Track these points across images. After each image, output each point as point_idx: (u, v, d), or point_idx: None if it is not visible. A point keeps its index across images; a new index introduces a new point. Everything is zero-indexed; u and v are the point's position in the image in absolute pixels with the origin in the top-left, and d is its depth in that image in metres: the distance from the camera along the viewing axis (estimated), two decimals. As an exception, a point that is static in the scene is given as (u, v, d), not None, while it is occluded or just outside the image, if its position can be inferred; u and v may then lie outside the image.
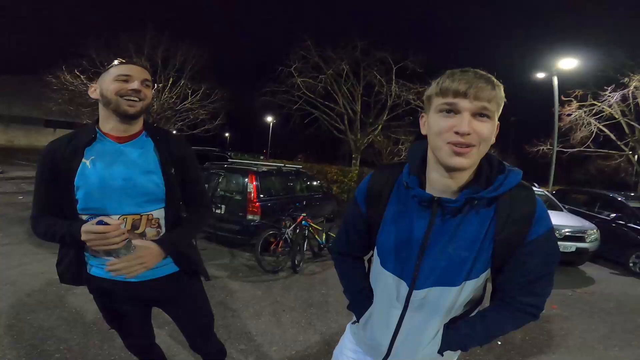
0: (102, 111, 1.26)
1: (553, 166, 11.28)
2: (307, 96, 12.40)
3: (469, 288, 0.90)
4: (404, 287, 0.93)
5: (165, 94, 15.78)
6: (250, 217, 4.89)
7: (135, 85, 1.20)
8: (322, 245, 5.14)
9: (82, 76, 14.39)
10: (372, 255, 1.06)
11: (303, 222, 4.76)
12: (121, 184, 1.21)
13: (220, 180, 5.28)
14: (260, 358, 2.48)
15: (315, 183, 7.35)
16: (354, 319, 1.12)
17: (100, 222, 1.10)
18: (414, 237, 0.91)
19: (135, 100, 1.20)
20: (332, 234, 5.29)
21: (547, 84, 11.73)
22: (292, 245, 4.57)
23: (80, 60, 14.30)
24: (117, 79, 1.20)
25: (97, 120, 1.28)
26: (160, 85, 15.75)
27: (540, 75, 11.68)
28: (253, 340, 2.70)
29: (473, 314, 0.98)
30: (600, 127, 12.52)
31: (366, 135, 12.69)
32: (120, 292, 1.32)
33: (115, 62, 1.24)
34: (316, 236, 5.07)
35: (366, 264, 1.17)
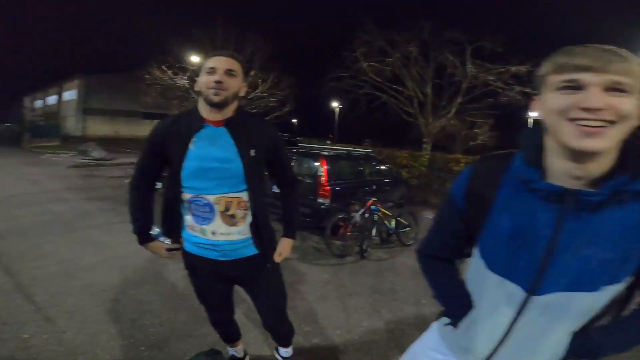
0: (200, 100, 1.39)
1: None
2: (374, 80, 12.08)
3: (608, 294, 0.78)
4: (519, 292, 0.84)
5: (238, 84, 16.72)
6: (320, 200, 4.99)
7: (216, 77, 1.30)
8: (390, 232, 5.03)
9: (168, 71, 16.00)
10: (470, 258, 0.97)
11: (372, 207, 4.71)
12: (217, 166, 1.34)
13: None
14: (323, 341, 2.52)
15: (384, 167, 7.20)
16: (446, 321, 1.03)
17: (157, 235, 1.49)
18: (538, 237, 0.79)
19: (219, 90, 1.30)
20: (402, 220, 5.13)
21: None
22: (360, 230, 4.55)
23: (165, 56, 15.88)
24: (206, 72, 1.33)
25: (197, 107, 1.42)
26: (234, 76, 16.73)
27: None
28: (318, 322, 2.75)
29: (609, 321, 0.85)
30: None
31: (438, 118, 11.95)
32: (209, 269, 1.50)
33: (210, 55, 1.38)
34: (385, 222, 4.97)
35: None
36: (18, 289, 2.88)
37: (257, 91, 16.98)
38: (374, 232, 4.75)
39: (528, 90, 10.73)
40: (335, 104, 32.27)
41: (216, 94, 1.30)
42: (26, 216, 5.14)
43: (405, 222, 5.17)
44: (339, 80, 12.73)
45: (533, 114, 24.85)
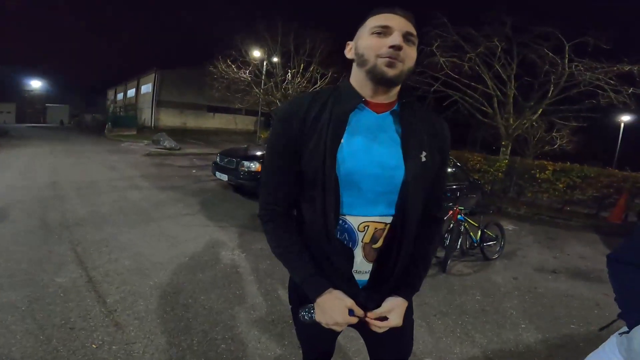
0: (356, 73, 0.95)
1: None
2: (448, 77, 11.08)
3: None
4: None
5: (297, 79, 16.77)
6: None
7: (396, 39, 0.86)
8: (475, 244, 4.45)
9: (232, 65, 16.47)
10: None
11: (459, 216, 4.15)
12: (377, 172, 0.90)
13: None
14: (413, 369, 2.14)
15: (461, 171, 6.50)
16: (623, 329, 1.08)
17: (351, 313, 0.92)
18: None
19: (396, 59, 0.87)
20: (489, 232, 4.57)
21: None
22: (444, 241, 4.06)
23: (230, 50, 16.33)
24: (374, 32, 0.89)
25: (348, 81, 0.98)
26: (294, 70, 16.83)
27: None
28: (403, 347, 2.38)
29: None
30: None
31: (522, 119, 10.62)
32: None
33: (375, 10, 0.93)
34: (471, 233, 4.41)
35: None
36: (91, 286, 2.81)
37: (316, 86, 16.83)
38: (458, 244, 4.21)
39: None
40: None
41: (391, 65, 0.86)
42: (105, 203, 5.36)
43: (492, 235, 4.63)
44: (405, 76, 11.97)
45: (625, 118, 21.59)
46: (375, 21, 0.90)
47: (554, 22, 9.65)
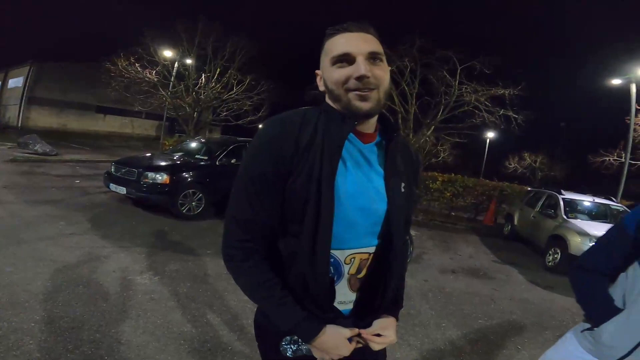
0: (333, 105, 0.90)
1: (624, 179, 10.64)
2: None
3: None
4: None
5: (212, 84, 15.98)
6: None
7: (360, 69, 0.81)
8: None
9: (137, 64, 14.80)
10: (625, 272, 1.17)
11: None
12: (368, 206, 0.87)
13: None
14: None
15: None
16: (583, 327, 1.22)
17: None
18: None
19: (367, 91, 0.83)
20: None
21: (622, 92, 10.91)
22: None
23: (136, 48, 14.68)
24: (333, 62, 0.85)
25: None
26: (209, 74, 16.01)
27: (617, 81, 10.86)
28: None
29: None
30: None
31: (420, 135, 12.11)
32: None
33: (328, 32, 0.88)
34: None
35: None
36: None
37: (232, 93, 16.27)
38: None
39: (510, 113, 11.32)
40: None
41: (363, 98, 0.83)
42: (-47, 222, 4.13)
43: (403, 242, 5.02)
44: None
45: (490, 135, 26.71)
46: (332, 48, 0.85)
47: (452, 47, 11.34)
